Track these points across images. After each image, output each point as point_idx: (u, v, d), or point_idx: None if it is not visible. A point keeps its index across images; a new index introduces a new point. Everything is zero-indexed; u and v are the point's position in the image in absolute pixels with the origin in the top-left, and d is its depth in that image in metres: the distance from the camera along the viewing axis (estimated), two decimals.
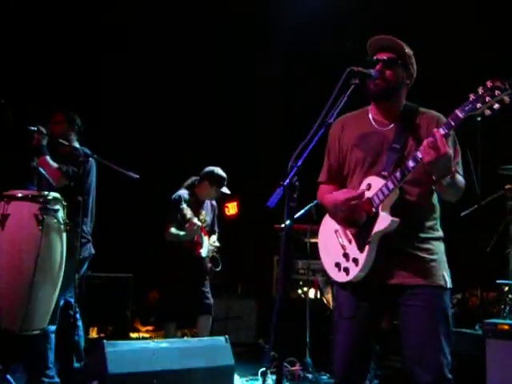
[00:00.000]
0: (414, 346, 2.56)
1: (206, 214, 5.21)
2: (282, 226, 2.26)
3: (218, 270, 5.28)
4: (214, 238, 5.34)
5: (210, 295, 5.06)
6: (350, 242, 2.69)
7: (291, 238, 2.35)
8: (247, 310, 6.89)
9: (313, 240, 5.32)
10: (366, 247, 2.60)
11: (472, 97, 2.38)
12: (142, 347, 3.62)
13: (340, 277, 2.72)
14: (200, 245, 5.05)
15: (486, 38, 5.89)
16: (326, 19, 6.58)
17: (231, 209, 9.00)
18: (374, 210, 2.60)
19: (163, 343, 3.75)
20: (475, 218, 4.90)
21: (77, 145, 4.38)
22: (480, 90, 2.37)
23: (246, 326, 6.81)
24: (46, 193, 3.84)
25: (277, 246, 5.86)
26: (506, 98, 2.34)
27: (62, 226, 3.84)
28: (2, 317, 3.60)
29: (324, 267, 2.84)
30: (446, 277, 2.63)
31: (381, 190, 2.58)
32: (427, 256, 2.62)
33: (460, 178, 2.63)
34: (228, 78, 7.48)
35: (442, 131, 2.40)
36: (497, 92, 2.33)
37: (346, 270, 2.67)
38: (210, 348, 3.89)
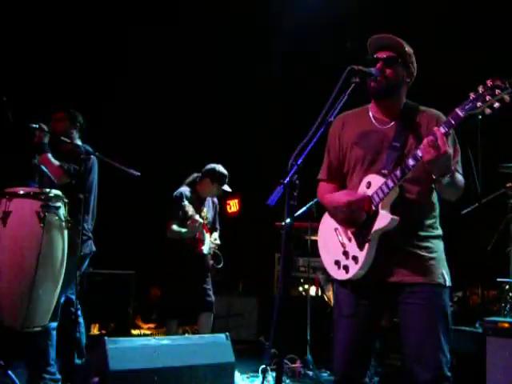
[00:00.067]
0: (413, 344, 2.57)
1: (208, 211, 5.22)
2: (283, 223, 2.26)
3: (219, 266, 5.29)
4: (216, 235, 5.35)
5: (211, 292, 5.07)
6: (349, 240, 2.70)
7: (291, 236, 2.36)
8: (248, 308, 6.90)
9: (313, 237, 5.33)
10: (366, 245, 2.61)
11: (472, 95, 2.38)
12: (143, 344, 3.62)
13: (340, 275, 2.73)
14: (202, 242, 5.05)
15: (486, 38, 5.89)
16: (326, 19, 6.58)
17: (233, 206, 9.02)
18: (373, 208, 2.61)
19: (164, 340, 3.76)
20: (476, 217, 4.90)
21: (79, 142, 4.38)
22: (480, 89, 2.37)
23: (247, 323, 6.82)
24: (48, 190, 3.85)
25: (278, 244, 5.84)
26: (507, 97, 2.34)
27: (64, 224, 3.85)
28: (4, 314, 3.61)
29: (324, 265, 2.85)
30: (445, 275, 2.64)
31: (381, 188, 2.59)
32: (426, 254, 2.63)
33: (460, 177, 2.64)
34: (228, 77, 7.49)
35: (442, 130, 2.41)
36: (497, 91, 2.34)
37: (346, 268, 2.68)
38: (210, 345, 3.89)
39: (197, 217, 4.89)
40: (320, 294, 6.21)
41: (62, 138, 4.21)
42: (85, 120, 4.54)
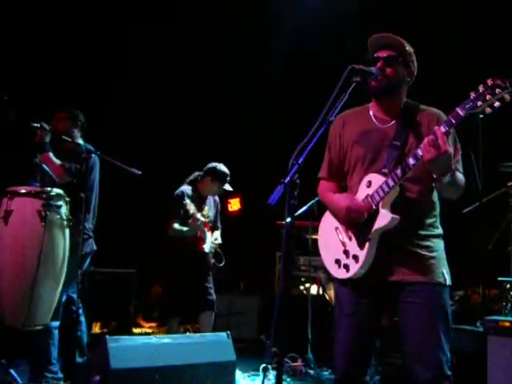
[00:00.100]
0: (414, 343, 2.57)
1: (209, 210, 5.21)
2: (284, 222, 2.27)
3: (221, 265, 5.29)
4: (217, 234, 5.34)
5: (212, 291, 5.07)
6: (350, 238, 2.70)
7: (292, 236, 2.37)
8: (249, 306, 6.91)
9: (314, 236, 5.32)
10: (366, 244, 2.61)
11: (473, 95, 2.39)
12: (145, 343, 3.63)
13: (340, 273, 2.73)
14: (203, 240, 5.05)
15: (486, 38, 5.89)
16: (326, 19, 6.58)
17: (234, 205, 9.01)
18: (374, 207, 2.61)
19: (165, 339, 3.76)
20: (477, 216, 4.90)
21: (80, 141, 4.38)
22: (481, 88, 2.37)
23: (248, 321, 6.82)
24: (49, 189, 3.86)
25: (279, 243, 5.88)
26: (507, 96, 2.35)
27: (65, 222, 3.86)
28: (5, 312, 3.63)
29: (324, 264, 2.86)
30: (445, 274, 2.64)
31: (381, 187, 2.59)
32: (427, 253, 2.63)
33: (460, 176, 2.64)
34: (228, 78, 7.48)
35: (442, 129, 2.41)
36: (497, 90, 2.34)
37: (346, 267, 2.69)
38: (212, 344, 3.90)
39: (198, 215, 4.89)
40: (321, 292, 6.21)
41: (64, 137, 4.22)
42: (86, 119, 4.55)
